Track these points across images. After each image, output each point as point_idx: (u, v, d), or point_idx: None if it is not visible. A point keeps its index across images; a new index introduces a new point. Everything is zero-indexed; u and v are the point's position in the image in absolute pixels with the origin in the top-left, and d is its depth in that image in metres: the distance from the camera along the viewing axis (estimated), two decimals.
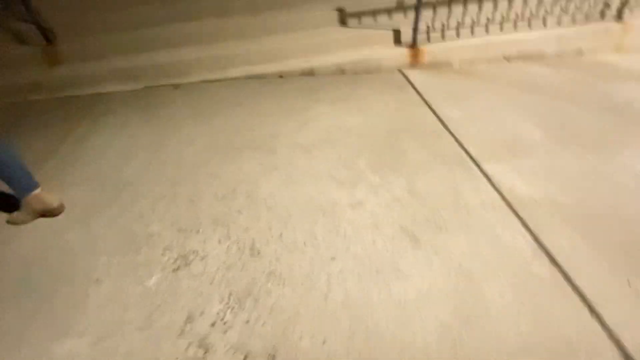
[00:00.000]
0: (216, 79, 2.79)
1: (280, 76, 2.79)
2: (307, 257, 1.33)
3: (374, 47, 2.91)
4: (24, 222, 1.54)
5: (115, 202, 1.67)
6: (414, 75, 2.70)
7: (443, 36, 2.87)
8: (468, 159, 1.78)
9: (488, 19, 2.84)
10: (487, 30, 2.87)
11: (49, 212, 1.56)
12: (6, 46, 2.94)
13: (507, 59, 2.84)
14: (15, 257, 1.43)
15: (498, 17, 2.84)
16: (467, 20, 2.82)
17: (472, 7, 2.89)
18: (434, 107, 2.24)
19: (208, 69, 2.86)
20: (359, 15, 3.07)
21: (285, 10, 3.21)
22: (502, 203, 1.51)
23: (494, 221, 1.43)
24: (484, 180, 1.64)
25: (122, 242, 1.45)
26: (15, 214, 1.56)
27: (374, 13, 3.07)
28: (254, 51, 2.88)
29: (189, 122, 2.27)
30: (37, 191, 1.52)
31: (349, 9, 3.05)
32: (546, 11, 2.87)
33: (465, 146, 1.87)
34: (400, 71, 2.78)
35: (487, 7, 2.83)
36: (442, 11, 2.90)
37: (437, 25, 2.81)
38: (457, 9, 2.89)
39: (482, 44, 2.82)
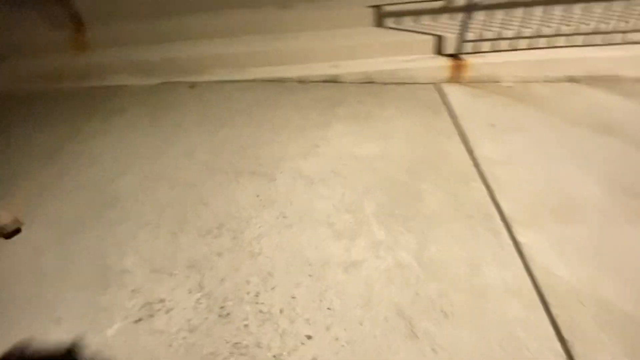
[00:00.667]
0: (233, 79, 2.60)
1: (300, 81, 2.55)
2: (279, 330, 1.15)
3: (410, 54, 2.55)
4: None
5: (99, 222, 1.57)
6: (453, 93, 2.33)
7: (494, 47, 2.44)
8: (498, 218, 1.47)
9: (553, 29, 2.36)
10: (550, 43, 2.40)
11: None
12: (35, 30, 2.95)
13: (572, 81, 2.36)
14: None
15: (566, 28, 2.35)
16: (527, 30, 2.36)
17: (536, 13, 2.43)
18: (469, 138, 1.90)
19: (226, 68, 2.68)
20: (397, 15, 2.70)
21: (318, 4, 2.91)
22: (533, 291, 1.21)
23: (516, 316, 1.14)
24: (514, 252, 1.34)
25: (93, 275, 1.36)
26: None
27: (416, 13, 2.68)
28: (277, 50, 2.64)
29: (195, 131, 2.13)
30: None
31: (388, 7, 2.69)
32: (627, 23, 2.32)
33: (498, 199, 1.54)
34: (436, 86, 2.42)
35: (555, 14, 2.35)
36: (498, 16, 2.47)
37: (489, 33, 2.39)
38: (517, 13, 2.44)
39: (543, 59, 2.36)
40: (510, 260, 1.31)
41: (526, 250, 1.33)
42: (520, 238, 1.38)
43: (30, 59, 2.87)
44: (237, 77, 2.62)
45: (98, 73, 2.79)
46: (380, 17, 2.73)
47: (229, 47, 2.71)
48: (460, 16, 2.62)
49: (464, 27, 2.35)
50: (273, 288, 1.27)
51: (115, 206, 1.64)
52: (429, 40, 2.52)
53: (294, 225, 1.49)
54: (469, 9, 2.29)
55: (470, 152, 1.82)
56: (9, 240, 1.51)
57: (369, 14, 2.73)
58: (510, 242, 1.38)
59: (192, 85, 2.61)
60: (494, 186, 1.61)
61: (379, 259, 1.33)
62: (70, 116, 2.34)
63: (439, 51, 2.54)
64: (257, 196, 1.64)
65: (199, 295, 1.27)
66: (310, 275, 1.30)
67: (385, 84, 2.49)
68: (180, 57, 2.70)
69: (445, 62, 2.44)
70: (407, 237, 1.41)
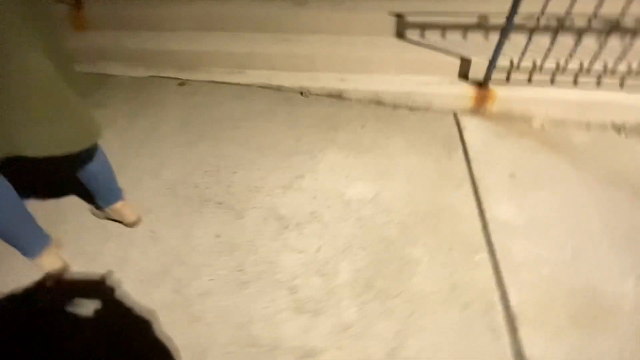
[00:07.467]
0: (227, 81, 2.34)
1: (301, 93, 2.26)
2: None
3: (430, 75, 2.22)
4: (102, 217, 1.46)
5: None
6: (472, 127, 1.99)
7: (530, 78, 2.08)
8: (501, 313, 1.17)
9: (605, 66, 1.98)
10: (598, 82, 2.02)
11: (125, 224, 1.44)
12: None
13: (618, 129, 1.98)
14: None
15: (623, 67, 1.96)
16: (573, 65, 1.98)
17: (588, 43, 2.03)
18: (482, 191, 1.59)
19: (222, 67, 2.42)
20: (422, 27, 2.36)
21: (336, 4, 2.59)
22: None
23: None
24: None
25: None
26: (95, 210, 1.46)
27: (444, 28, 2.33)
28: (280, 53, 2.35)
29: (170, 141, 1.88)
30: (118, 204, 1.36)
31: (413, 16, 2.35)
32: None
33: (506, 283, 1.24)
34: (455, 117, 2.09)
35: (612, 47, 1.94)
36: (540, 42, 2.08)
37: (526, 62, 2.02)
38: (565, 41, 2.04)
39: (586, 101, 1.99)
40: None
41: None
42: (526, 345, 1.08)
43: None
44: (232, 79, 2.35)
45: (90, 58, 2.58)
46: (403, 28, 2.39)
47: (229, 43, 2.44)
48: (495, 37, 2.27)
49: (497, 51, 1.99)
50: None
51: (58, 228, 1.43)
52: (454, 62, 2.17)
53: (250, 285, 1.23)
54: (505, 29, 1.93)
55: (480, 210, 1.51)
56: None
57: (391, 23, 2.40)
58: (511, 350, 1.08)
59: (182, 83, 2.36)
60: (503, 263, 1.30)
61: (341, 352, 1.07)
62: None
63: (465, 76, 2.19)
64: (217, 237, 1.39)
65: None
66: None
67: (396, 106, 2.17)
68: (174, 50, 2.45)
69: (469, 90, 2.10)
70: (384, 322, 1.14)
